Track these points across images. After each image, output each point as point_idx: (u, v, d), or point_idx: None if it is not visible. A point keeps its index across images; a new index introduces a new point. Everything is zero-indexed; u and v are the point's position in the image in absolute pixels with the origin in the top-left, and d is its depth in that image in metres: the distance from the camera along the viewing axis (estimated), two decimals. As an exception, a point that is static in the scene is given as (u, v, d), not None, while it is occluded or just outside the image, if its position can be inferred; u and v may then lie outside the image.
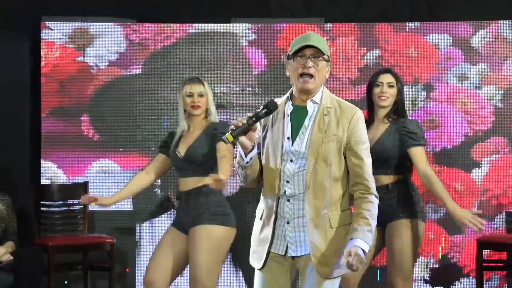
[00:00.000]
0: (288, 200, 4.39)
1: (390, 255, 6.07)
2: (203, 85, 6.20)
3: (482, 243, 7.26)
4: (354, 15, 8.14)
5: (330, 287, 4.46)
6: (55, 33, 7.98)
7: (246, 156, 4.33)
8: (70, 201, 7.68)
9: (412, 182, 6.15)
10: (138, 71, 8.04)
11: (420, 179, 6.11)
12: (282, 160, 4.38)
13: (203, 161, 6.15)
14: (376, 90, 6.05)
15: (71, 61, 7.97)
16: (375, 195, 4.37)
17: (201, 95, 6.12)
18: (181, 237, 6.20)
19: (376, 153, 5.65)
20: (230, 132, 4.17)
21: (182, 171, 6.25)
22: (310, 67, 4.34)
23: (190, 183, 6.18)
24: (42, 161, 7.92)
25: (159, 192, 7.93)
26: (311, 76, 4.33)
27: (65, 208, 7.67)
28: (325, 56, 4.35)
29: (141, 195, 7.55)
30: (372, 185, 4.37)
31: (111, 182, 7.94)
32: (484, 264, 7.33)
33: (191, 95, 6.11)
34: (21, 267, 6.61)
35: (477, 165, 7.88)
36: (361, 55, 8.04)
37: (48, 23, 7.97)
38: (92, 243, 7.48)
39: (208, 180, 5.66)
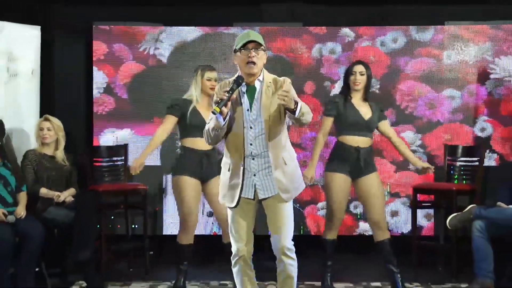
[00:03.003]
0: (253, 159, 4.83)
1: (368, 198, 6.46)
2: (216, 72, 6.59)
3: (417, 189, 7.61)
4: (325, 21, 8.31)
5: (289, 207, 4.93)
6: (103, 34, 8.25)
7: (224, 120, 4.64)
8: (114, 158, 7.99)
9: None
10: (164, 62, 8.30)
11: (392, 142, 6.65)
12: (244, 127, 4.80)
13: None
14: (351, 78, 6.48)
15: (115, 55, 8.27)
16: None
17: (216, 80, 6.46)
18: (199, 184, 6.47)
19: (360, 122, 6.39)
20: (216, 105, 4.57)
21: (191, 134, 6.43)
22: (253, 56, 4.75)
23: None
24: (94, 129, 8.25)
25: (179, 151, 7.48)
26: (254, 63, 4.74)
27: (111, 163, 7.95)
28: (263, 47, 4.80)
29: (165, 154, 8.13)
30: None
31: (143, 144, 7.98)
32: (418, 203, 7.70)
33: (210, 79, 6.46)
34: (80, 206, 6.76)
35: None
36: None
37: (98, 27, 8.24)
38: (131, 189, 7.73)
39: None
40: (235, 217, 4.94)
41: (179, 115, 6.49)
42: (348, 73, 6.56)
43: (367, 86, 6.56)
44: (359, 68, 6.51)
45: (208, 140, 4.88)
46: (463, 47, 8.21)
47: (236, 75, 4.82)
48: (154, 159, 8.23)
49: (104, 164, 7.94)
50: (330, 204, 6.52)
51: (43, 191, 6.80)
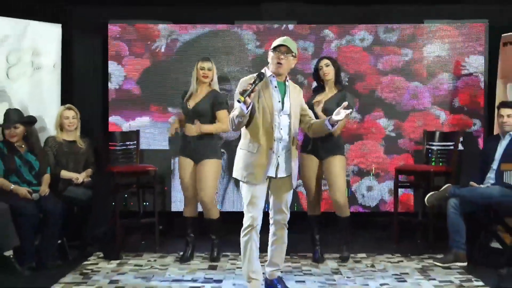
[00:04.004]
0: (280, 142, 5.11)
1: (332, 179, 6.54)
2: (211, 62, 6.60)
3: (398, 170, 7.66)
4: (315, 20, 8.26)
5: (291, 193, 5.33)
6: (118, 31, 8.20)
7: (246, 109, 4.84)
8: (127, 143, 7.91)
9: None
10: (173, 56, 8.24)
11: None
12: (274, 115, 5.06)
13: (204, 113, 6.46)
14: (320, 72, 6.61)
15: (128, 51, 8.21)
16: None
17: (209, 69, 6.54)
18: (190, 163, 6.56)
19: (327, 108, 6.35)
20: (241, 95, 4.78)
21: (188, 119, 6.55)
22: (281, 58, 5.10)
23: (191, 129, 6.48)
24: (110, 117, 8.25)
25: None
26: (281, 64, 5.09)
27: (124, 147, 7.88)
28: (293, 54, 5.12)
29: (172, 139, 8.01)
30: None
31: (154, 129, 8.19)
32: (399, 183, 7.71)
33: (202, 68, 6.54)
34: (96, 185, 6.88)
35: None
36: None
37: (112, 25, 8.21)
38: (142, 170, 7.62)
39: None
40: (257, 192, 5.11)
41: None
42: (317, 68, 6.68)
43: (337, 75, 6.63)
44: (324, 62, 6.63)
45: (232, 126, 5.05)
46: (439, 43, 8.22)
47: (262, 71, 5.07)
48: (163, 144, 8.26)
49: (118, 148, 7.90)
50: (303, 182, 6.70)
51: (63, 173, 6.85)
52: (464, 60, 8.18)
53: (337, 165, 6.53)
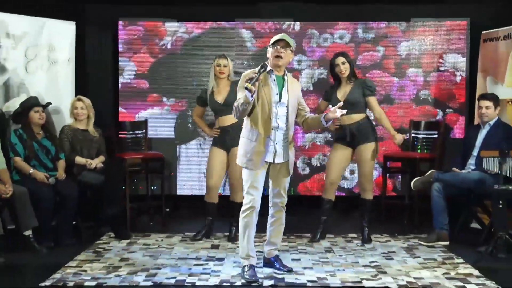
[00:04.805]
0: (277, 130, 5.11)
1: (358, 166, 6.54)
2: (227, 59, 6.58)
3: (387, 157, 7.74)
4: (309, 18, 8.22)
5: (288, 179, 5.34)
6: (127, 28, 8.18)
7: (251, 96, 4.88)
8: (136, 132, 7.97)
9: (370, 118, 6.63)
10: (178, 51, 8.20)
11: (375, 115, 6.61)
12: (272, 106, 5.06)
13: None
14: (336, 69, 6.49)
15: (136, 45, 8.19)
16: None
17: (225, 66, 6.53)
18: (224, 153, 6.60)
19: (348, 101, 6.32)
20: (248, 82, 4.81)
21: (221, 113, 6.56)
22: (280, 52, 5.09)
23: (228, 120, 6.52)
24: (120, 108, 8.22)
25: (190, 126, 8.17)
26: (281, 57, 5.09)
27: (133, 136, 7.95)
28: (290, 48, 5.12)
29: (178, 128, 8.13)
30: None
31: (161, 120, 8.20)
32: (387, 169, 7.79)
33: (219, 65, 6.53)
34: (108, 171, 6.87)
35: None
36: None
37: (122, 22, 8.19)
38: (150, 157, 7.74)
39: None
40: (257, 177, 5.12)
41: (202, 103, 6.78)
42: (333, 65, 6.55)
43: (351, 71, 6.53)
44: (340, 60, 6.49)
45: (236, 114, 5.06)
46: (424, 40, 8.18)
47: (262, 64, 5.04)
48: (169, 133, 8.28)
49: (128, 136, 7.93)
50: (326, 169, 6.64)
51: (78, 159, 6.84)
52: (447, 55, 8.16)
53: (366, 152, 6.51)
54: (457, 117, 8.17)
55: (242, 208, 5.18)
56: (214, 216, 6.75)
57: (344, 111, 5.15)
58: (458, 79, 8.13)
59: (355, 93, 6.47)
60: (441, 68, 8.16)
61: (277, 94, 5.12)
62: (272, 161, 5.17)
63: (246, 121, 5.18)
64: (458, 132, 8.13)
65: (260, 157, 5.09)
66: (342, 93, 6.51)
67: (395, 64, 8.21)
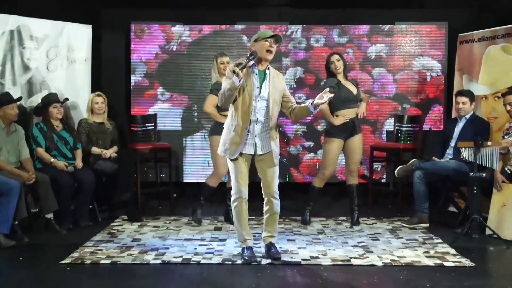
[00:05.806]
0: (256, 124, 4.88)
1: (352, 154, 6.41)
2: (228, 56, 6.41)
3: (373, 148, 7.77)
4: (303, 21, 8.16)
5: (276, 169, 5.04)
6: (139, 30, 8.15)
7: (239, 82, 4.64)
8: (147, 124, 7.83)
9: None
10: (184, 52, 8.19)
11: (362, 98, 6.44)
12: (252, 99, 4.83)
13: None
14: (332, 66, 6.38)
15: (147, 47, 8.19)
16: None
17: (227, 62, 6.31)
18: None
19: (357, 96, 6.32)
20: (236, 66, 4.59)
21: (225, 110, 6.01)
22: (272, 47, 4.84)
23: None
24: (132, 103, 8.21)
25: (195, 120, 8.16)
26: (271, 52, 4.83)
27: (144, 128, 7.81)
28: (278, 45, 4.88)
29: (184, 121, 8.08)
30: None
31: (169, 114, 8.18)
32: (374, 158, 7.86)
33: (222, 63, 6.31)
34: (121, 160, 6.82)
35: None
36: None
37: (135, 25, 8.17)
38: (159, 147, 7.68)
39: None
40: (239, 168, 4.94)
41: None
42: (328, 63, 6.46)
43: (345, 69, 6.46)
44: (335, 57, 6.41)
45: (221, 100, 4.83)
46: (407, 41, 8.16)
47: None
48: (176, 125, 8.25)
49: (139, 128, 7.85)
50: (323, 161, 6.51)
51: (94, 149, 6.85)
52: (428, 54, 8.15)
53: (357, 142, 6.46)
54: (438, 111, 8.16)
55: (231, 199, 5.05)
56: (207, 199, 6.55)
57: (332, 95, 4.85)
58: (436, 78, 8.13)
59: (358, 89, 6.45)
60: (418, 68, 8.15)
61: (258, 87, 4.85)
62: (253, 153, 4.95)
63: (229, 112, 4.98)
64: (434, 125, 8.14)
65: (235, 147, 4.88)
66: (351, 89, 6.41)
67: (381, 63, 8.21)
